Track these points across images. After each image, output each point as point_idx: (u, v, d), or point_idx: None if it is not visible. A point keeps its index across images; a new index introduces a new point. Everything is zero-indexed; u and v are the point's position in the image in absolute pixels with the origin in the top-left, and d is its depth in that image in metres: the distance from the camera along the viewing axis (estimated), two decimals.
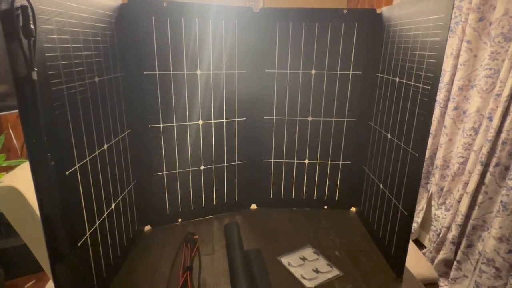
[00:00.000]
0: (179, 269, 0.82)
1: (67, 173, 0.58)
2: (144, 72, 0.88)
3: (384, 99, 0.92)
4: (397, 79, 0.85)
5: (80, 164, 0.62)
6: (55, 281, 0.53)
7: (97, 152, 0.69)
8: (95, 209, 0.68)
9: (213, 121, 1.00)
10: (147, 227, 1.01)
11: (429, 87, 0.70)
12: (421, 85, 0.73)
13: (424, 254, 1.85)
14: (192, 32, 0.90)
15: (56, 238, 0.53)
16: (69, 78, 0.58)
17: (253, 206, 1.15)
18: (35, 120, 0.48)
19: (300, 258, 0.88)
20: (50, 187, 0.52)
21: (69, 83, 0.58)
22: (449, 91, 1.72)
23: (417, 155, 0.74)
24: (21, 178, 0.85)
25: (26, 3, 0.46)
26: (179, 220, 1.05)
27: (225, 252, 0.90)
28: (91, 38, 0.67)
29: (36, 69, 0.47)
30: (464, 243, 1.58)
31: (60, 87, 0.55)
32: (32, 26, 0.47)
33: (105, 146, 0.73)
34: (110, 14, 0.75)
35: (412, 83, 0.77)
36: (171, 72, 0.91)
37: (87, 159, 0.65)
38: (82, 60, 0.63)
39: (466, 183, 1.57)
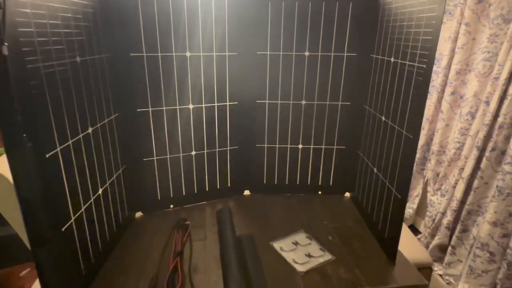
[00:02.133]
0: (170, 255, 0.81)
1: (47, 155, 0.55)
2: (131, 54, 0.85)
3: (379, 81, 0.90)
4: (392, 59, 0.82)
5: (62, 147, 0.60)
6: (37, 265, 0.51)
7: (81, 136, 0.67)
8: (80, 193, 0.67)
9: (204, 105, 0.97)
10: (138, 214, 1.00)
11: (424, 66, 0.67)
12: (416, 64, 0.71)
13: (419, 239, 1.85)
14: (181, 11, 0.86)
15: (37, 222, 0.52)
16: (46, 56, 0.55)
17: (247, 192, 1.14)
18: (7, 97, 0.45)
19: (293, 243, 0.87)
20: (28, 169, 0.50)
21: (47, 61, 0.55)
22: (446, 76, 1.69)
23: (411, 136, 0.72)
24: (7, 164, 0.83)
25: None
26: (171, 206, 1.03)
27: (217, 238, 0.89)
28: (71, 15, 0.63)
29: (6, 44, 0.44)
30: (458, 228, 1.58)
31: (36, 65, 0.53)
32: None
33: (90, 130, 0.71)
34: None
35: (407, 62, 0.74)
36: (159, 54, 0.88)
37: (70, 142, 0.63)
38: (61, 38, 0.60)
39: (462, 169, 1.56)
